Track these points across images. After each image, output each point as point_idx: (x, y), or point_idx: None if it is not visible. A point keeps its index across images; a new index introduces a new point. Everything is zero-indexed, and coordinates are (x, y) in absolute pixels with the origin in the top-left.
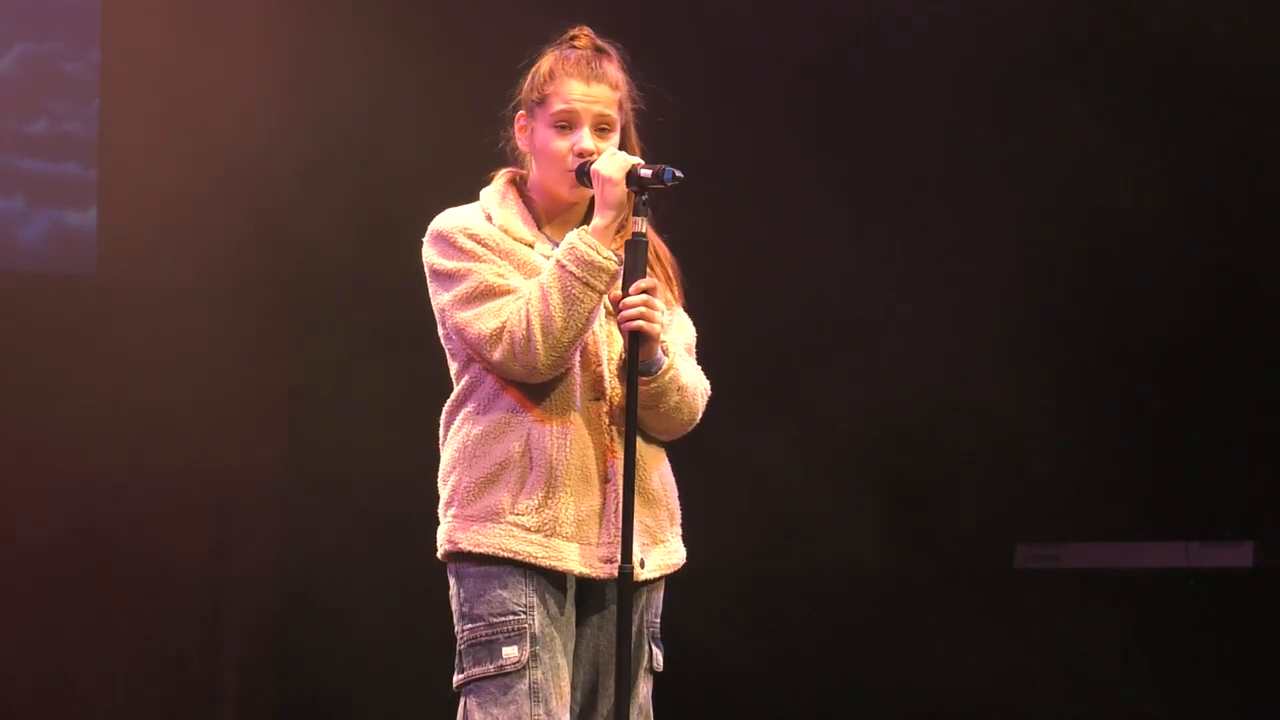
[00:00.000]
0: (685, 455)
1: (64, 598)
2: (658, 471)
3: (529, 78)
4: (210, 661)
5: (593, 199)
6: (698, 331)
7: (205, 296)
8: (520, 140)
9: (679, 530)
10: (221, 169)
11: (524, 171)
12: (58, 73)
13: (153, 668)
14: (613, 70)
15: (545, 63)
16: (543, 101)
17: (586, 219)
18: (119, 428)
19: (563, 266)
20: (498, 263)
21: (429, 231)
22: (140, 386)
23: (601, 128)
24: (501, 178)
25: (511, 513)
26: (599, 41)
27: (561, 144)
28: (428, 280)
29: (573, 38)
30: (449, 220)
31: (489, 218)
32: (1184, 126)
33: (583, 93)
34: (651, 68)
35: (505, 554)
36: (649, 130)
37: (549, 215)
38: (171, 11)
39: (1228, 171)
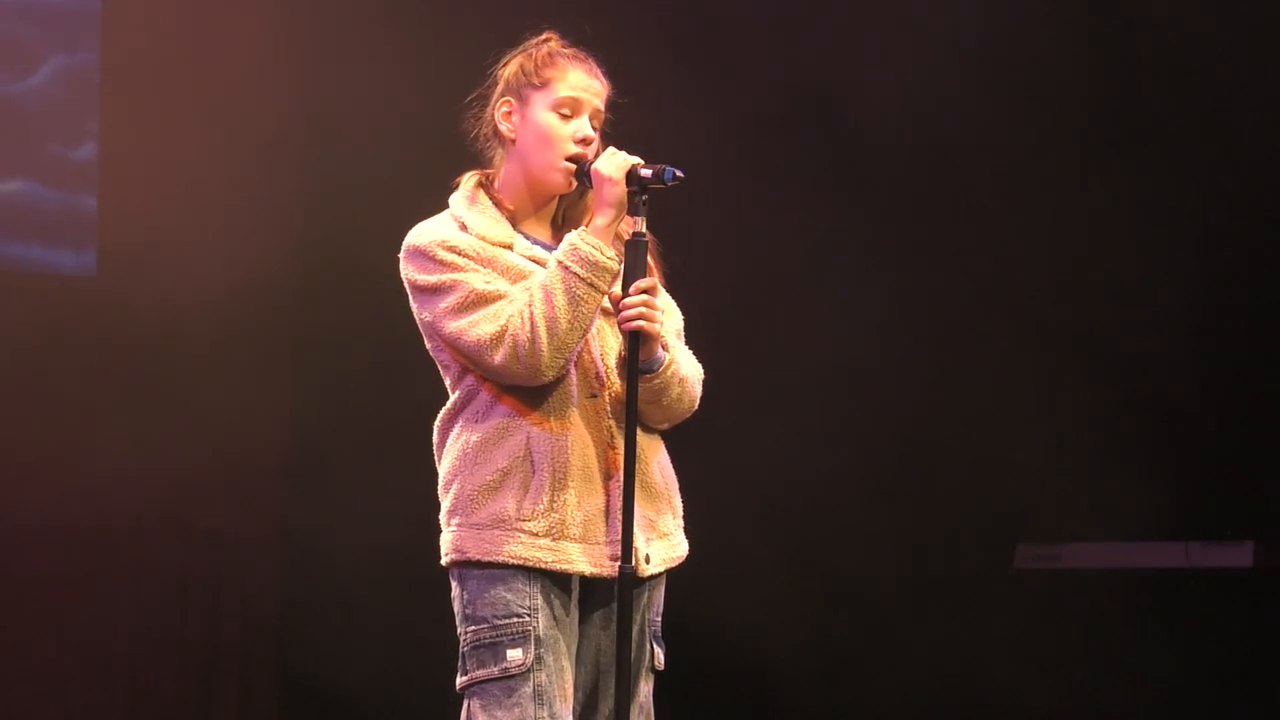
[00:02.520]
0: (688, 455)
1: (63, 598)
2: (656, 461)
3: (521, 63)
4: (210, 661)
5: (564, 196)
6: (693, 319)
7: (209, 299)
8: (504, 125)
9: (680, 523)
10: (224, 172)
11: (491, 171)
12: (97, 89)
13: (153, 668)
14: (600, 71)
15: (540, 50)
16: (544, 85)
17: (567, 216)
18: (121, 428)
19: (566, 267)
20: (481, 270)
21: (404, 248)
22: (142, 387)
23: (593, 122)
24: (469, 181)
25: (518, 518)
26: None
27: (564, 128)
28: (410, 297)
29: (545, 39)
30: (424, 234)
31: (463, 226)
32: (1179, 138)
33: (586, 83)
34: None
35: (516, 561)
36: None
37: (522, 214)
38: (174, 15)
39: (1228, 177)
